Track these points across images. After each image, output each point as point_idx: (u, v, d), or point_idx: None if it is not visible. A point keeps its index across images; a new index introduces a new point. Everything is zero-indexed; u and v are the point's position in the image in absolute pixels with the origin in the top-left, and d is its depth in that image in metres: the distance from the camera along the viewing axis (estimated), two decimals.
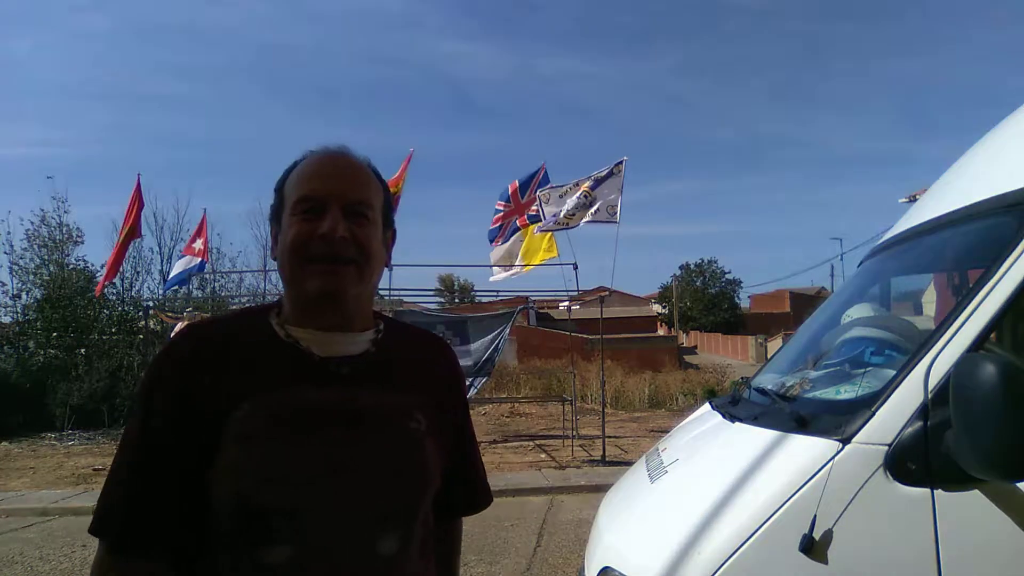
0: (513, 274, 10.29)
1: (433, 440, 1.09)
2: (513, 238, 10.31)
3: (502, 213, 10.38)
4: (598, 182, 9.49)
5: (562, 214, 9.40)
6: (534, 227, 9.97)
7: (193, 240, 12.04)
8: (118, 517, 0.97)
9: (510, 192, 10.28)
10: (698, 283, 54.03)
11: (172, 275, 11.88)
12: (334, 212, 1.03)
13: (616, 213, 9.44)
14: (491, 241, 10.54)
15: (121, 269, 17.01)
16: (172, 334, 10.57)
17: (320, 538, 0.95)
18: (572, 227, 9.48)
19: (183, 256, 11.94)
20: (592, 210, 9.37)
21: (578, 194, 9.48)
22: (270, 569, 0.94)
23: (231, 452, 0.95)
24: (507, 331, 10.39)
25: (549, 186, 9.77)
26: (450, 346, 1.30)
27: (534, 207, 9.81)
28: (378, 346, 1.12)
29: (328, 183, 1.06)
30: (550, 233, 9.90)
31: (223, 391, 0.98)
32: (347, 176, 1.08)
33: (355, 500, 0.99)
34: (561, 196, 9.57)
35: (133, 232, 10.54)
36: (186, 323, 10.79)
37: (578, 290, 10.78)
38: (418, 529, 1.07)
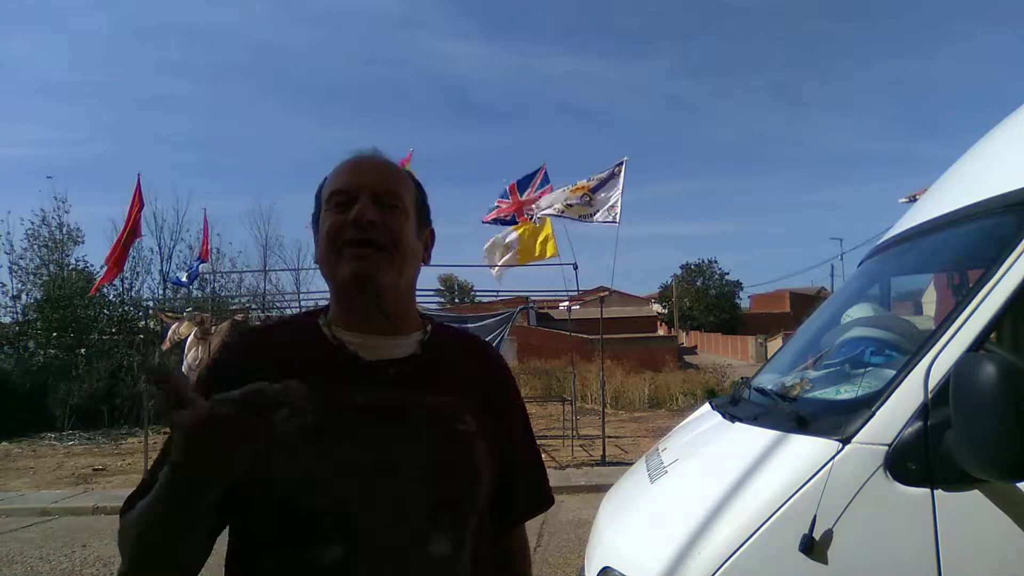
0: (504, 264, 10.24)
1: (484, 442, 1.09)
2: (507, 230, 10.28)
3: (497, 209, 10.40)
4: (600, 184, 9.53)
5: (560, 204, 9.46)
6: (530, 225, 9.98)
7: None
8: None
9: (508, 190, 10.29)
10: (698, 283, 54.00)
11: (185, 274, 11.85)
12: (363, 200, 1.06)
13: (616, 214, 9.46)
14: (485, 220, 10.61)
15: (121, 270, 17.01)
16: (169, 333, 10.54)
17: (370, 537, 0.96)
18: (566, 216, 9.50)
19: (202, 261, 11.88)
20: (592, 212, 9.41)
21: (580, 195, 9.54)
22: (322, 570, 0.94)
23: (278, 452, 0.94)
24: (506, 331, 10.40)
25: (550, 188, 9.81)
26: (496, 348, 1.30)
27: (533, 205, 9.84)
28: (425, 349, 1.12)
29: (357, 176, 1.09)
30: (550, 232, 9.90)
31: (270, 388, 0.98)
32: (376, 169, 1.11)
33: (402, 499, 0.98)
34: (561, 191, 9.65)
35: (133, 232, 10.52)
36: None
37: (578, 290, 10.79)
38: (470, 538, 1.06)
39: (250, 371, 0.97)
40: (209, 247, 12.02)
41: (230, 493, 0.92)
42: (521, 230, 10.04)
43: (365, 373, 1.04)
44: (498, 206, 10.43)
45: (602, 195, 9.51)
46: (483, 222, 10.53)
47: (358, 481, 0.97)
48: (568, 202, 9.46)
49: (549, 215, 9.70)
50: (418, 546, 0.98)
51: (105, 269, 10.88)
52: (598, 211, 9.45)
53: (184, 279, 11.53)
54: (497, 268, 10.32)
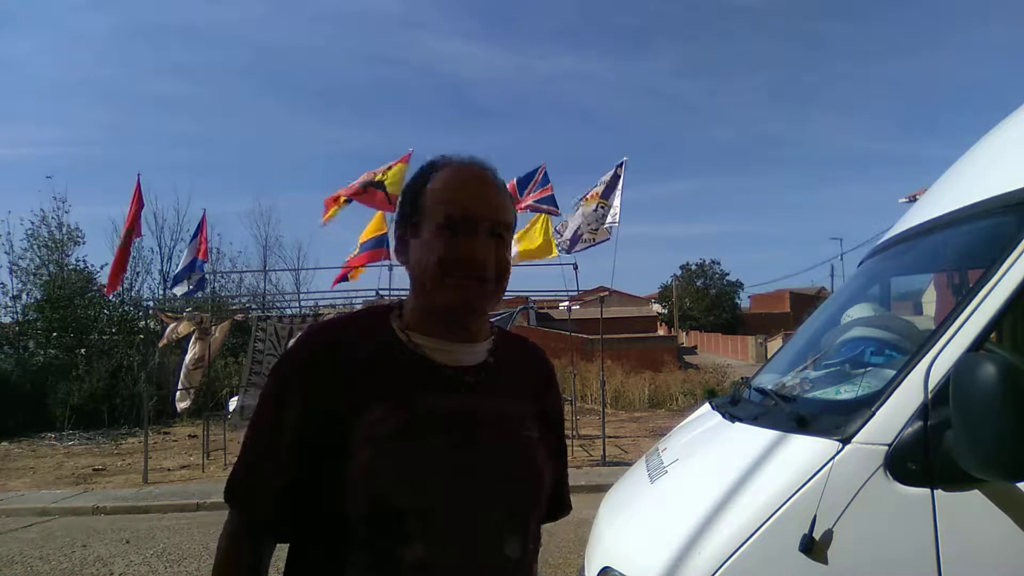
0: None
1: (544, 447, 1.15)
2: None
3: None
4: (608, 188, 9.61)
5: (585, 232, 9.59)
6: (541, 224, 9.98)
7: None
8: (242, 487, 1.07)
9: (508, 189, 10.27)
10: (699, 283, 53.98)
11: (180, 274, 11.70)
12: (483, 237, 1.07)
13: (616, 214, 9.48)
14: None
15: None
16: (167, 331, 10.51)
17: (451, 537, 1.00)
18: (601, 241, 9.65)
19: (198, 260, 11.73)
20: (609, 222, 9.52)
21: (594, 206, 9.65)
22: (408, 566, 0.97)
23: (364, 454, 0.98)
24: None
25: (551, 188, 9.81)
26: (541, 349, 1.34)
27: (531, 204, 9.86)
28: (493, 356, 1.16)
29: (476, 204, 1.08)
30: (551, 232, 9.92)
31: (352, 394, 1.03)
32: (493, 198, 1.11)
33: (480, 502, 1.03)
34: (576, 209, 9.73)
35: (131, 232, 10.51)
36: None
37: (578, 290, 10.80)
38: (533, 535, 1.12)
39: (336, 366, 1.04)
40: (208, 247, 11.97)
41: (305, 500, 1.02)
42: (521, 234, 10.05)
43: (446, 381, 1.08)
44: None
45: (612, 196, 9.60)
46: None
47: (443, 484, 1.01)
48: (589, 223, 9.63)
49: (582, 249, 9.83)
50: (493, 547, 1.03)
51: (109, 275, 10.88)
52: (607, 215, 9.59)
53: (191, 286, 11.40)
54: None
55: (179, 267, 11.81)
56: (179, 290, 11.26)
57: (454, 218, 1.06)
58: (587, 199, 9.73)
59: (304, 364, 1.06)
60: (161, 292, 19.04)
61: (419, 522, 0.98)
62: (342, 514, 0.99)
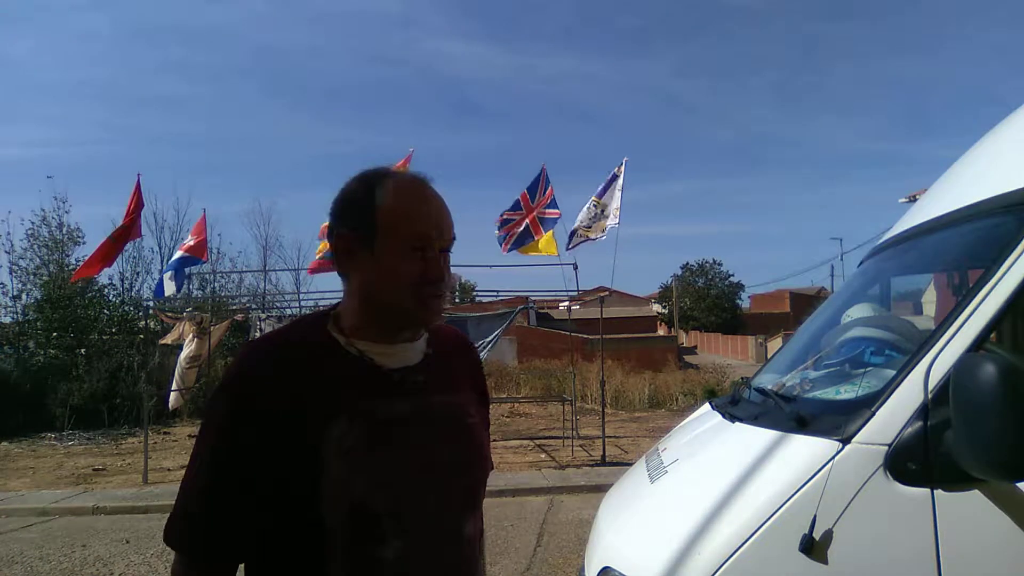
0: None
1: (484, 430, 1.27)
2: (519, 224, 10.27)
3: (514, 222, 10.25)
4: (604, 187, 9.63)
5: (579, 229, 9.62)
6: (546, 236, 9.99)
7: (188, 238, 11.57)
8: (201, 531, 1.05)
9: (520, 200, 10.18)
10: (700, 283, 53.95)
11: (167, 277, 11.47)
12: (439, 255, 1.16)
13: (616, 214, 9.50)
14: (500, 244, 10.41)
15: (121, 270, 17.01)
16: (171, 332, 10.51)
17: (422, 531, 1.09)
18: (596, 239, 9.66)
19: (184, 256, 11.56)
20: (608, 220, 9.56)
21: (588, 204, 9.67)
22: (384, 563, 1.05)
23: (337, 466, 1.03)
24: (503, 331, 10.41)
25: (551, 190, 9.84)
26: (460, 331, 1.43)
27: (538, 213, 9.93)
28: (430, 350, 1.23)
29: (434, 227, 1.15)
30: (551, 234, 9.93)
31: (313, 411, 1.05)
32: (445, 219, 1.19)
33: (442, 492, 1.13)
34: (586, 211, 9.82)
35: (130, 231, 10.47)
36: (185, 330, 10.54)
37: (578, 290, 10.79)
38: (480, 507, 1.24)
39: (287, 386, 1.06)
40: (207, 245, 11.93)
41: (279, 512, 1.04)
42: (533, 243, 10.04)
43: (396, 385, 1.14)
44: (510, 220, 10.27)
45: (609, 196, 9.62)
46: (504, 252, 10.36)
47: (411, 484, 1.09)
48: (585, 224, 9.71)
49: (575, 245, 9.89)
50: (456, 531, 1.14)
51: (87, 259, 10.73)
52: (608, 216, 9.61)
53: (170, 285, 11.04)
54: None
55: (165, 267, 11.65)
56: (168, 289, 11.07)
57: (425, 239, 1.13)
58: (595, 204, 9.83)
59: (262, 381, 1.06)
60: (159, 295, 19.02)
61: (393, 522, 1.06)
62: (320, 522, 1.03)
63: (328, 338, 1.14)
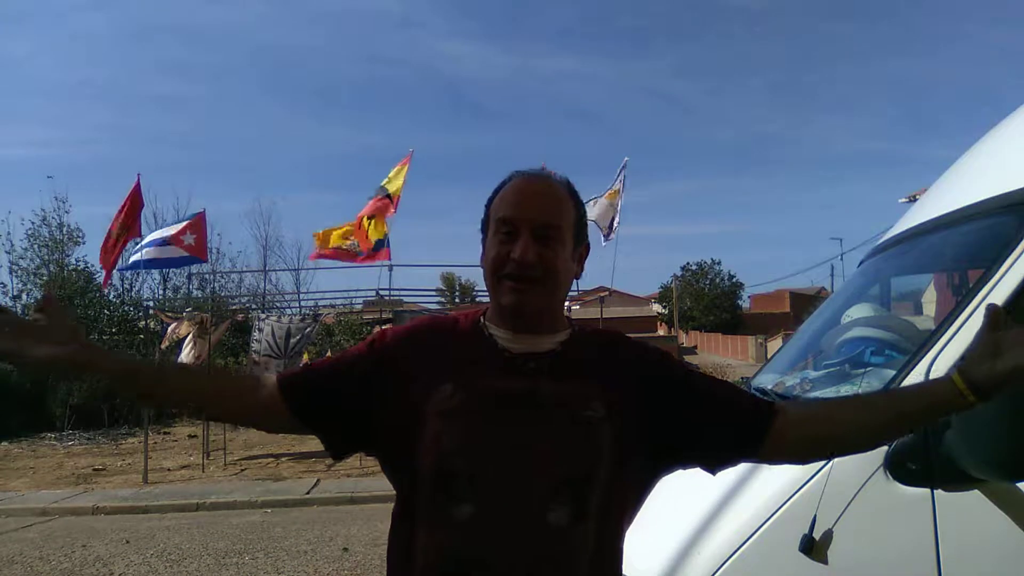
0: None
1: (614, 425, 1.17)
2: None
3: None
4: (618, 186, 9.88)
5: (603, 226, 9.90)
6: None
7: (183, 233, 10.93)
8: (299, 372, 1.30)
9: None
10: (701, 284, 53.95)
11: (144, 256, 10.95)
12: (524, 237, 1.18)
13: (616, 214, 9.53)
14: None
15: (121, 270, 16.99)
16: (168, 332, 10.55)
17: (494, 501, 1.12)
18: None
19: (167, 244, 11.07)
20: (608, 221, 9.72)
21: (600, 202, 9.90)
22: (454, 521, 1.12)
23: (435, 424, 1.14)
24: None
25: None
26: (628, 336, 1.38)
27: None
28: (564, 346, 1.24)
29: (521, 209, 1.20)
30: None
31: (428, 371, 1.19)
32: (538, 202, 1.22)
33: (526, 472, 1.13)
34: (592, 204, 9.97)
35: (130, 231, 10.47)
36: (185, 322, 10.68)
37: (578, 290, 10.82)
38: (595, 511, 1.15)
39: (412, 351, 1.24)
40: (207, 245, 11.92)
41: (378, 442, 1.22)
42: None
43: (509, 365, 1.20)
44: None
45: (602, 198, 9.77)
46: None
47: (492, 454, 1.13)
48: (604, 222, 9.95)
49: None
50: (536, 514, 1.12)
51: (104, 272, 10.76)
52: (604, 214, 9.73)
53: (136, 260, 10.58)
54: None
55: (147, 240, 11.00)
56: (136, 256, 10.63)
57: (502, 223, 1.20)
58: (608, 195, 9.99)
59: (401, 334, 1.29)
60: (161, 292, 19.05)
61: (469, 486, 1.12)
62: (417, 472, 1.15)
63: (475, 322, 1.27)
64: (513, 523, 1.11)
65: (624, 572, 1.87)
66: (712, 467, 1.28)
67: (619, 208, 9.84)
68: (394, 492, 1.24)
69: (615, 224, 9.93)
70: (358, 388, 1.22)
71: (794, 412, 1.28)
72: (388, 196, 10.15)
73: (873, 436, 1.25)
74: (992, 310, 1.12)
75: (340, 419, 1.23)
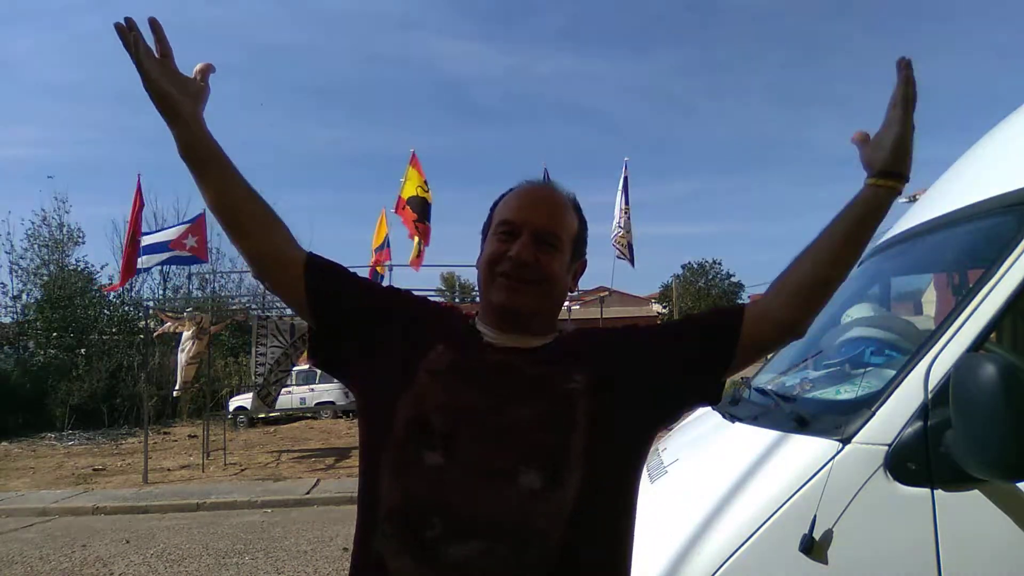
0: None
1: (597, 396, 1.18)
2: None
3: None
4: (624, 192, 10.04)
5: (613, 238, 10.24)
6: None
7: (184, 237, 10.92)
8: (330, 264, 1.32)
9: None
10: (701, 284, 53.93)
11: (145, 266, 10.96)
12: (525, 238, 1.21)
13: (622, 214, 9.57)
14: None
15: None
16: (164, 325, 10.67)
17: (464, 456, 1.14)
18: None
19: (169, 250, 11.11)
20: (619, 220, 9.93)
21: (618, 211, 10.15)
22: (424, 469, 1.14)
23: (423, 380, 1.18)
24: None
25: None
26: (597, 326, 1.45)
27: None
28: (549, 343, 1.26)
29: (524, 212, 1.24)
30: None
31: (429, 332, 1.25)
32: (542, 208, 1.25)
33: (501, 435, 1.15)
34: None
35: (136, 232, 10.49)
36: (172, 321, 10.85)
37: (578, 290, 10.81)
38: (573, 479, 1.14)
39: (426, 319, 1.29)
40: (207, 245, 11.92)
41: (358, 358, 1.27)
42: None
43: (494, 351, 1.23)
44: None
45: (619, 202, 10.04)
46: None
47: (469, 414, 1.16)
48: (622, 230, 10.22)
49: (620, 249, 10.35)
50: (508, 473, 1.13)
51: (119, 275, 10.79)
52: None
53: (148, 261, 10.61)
54: None
55: (149, 240, 10.92)
56: (144, 262, 10.69)
57: (504, 223, 1.23)
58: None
59: (417, 298, 1.36)
60: (161, 292, 19.04)
61: (443, 439, 1.14)
62: (393, 422, 1.17)
63: (468, 321, 1.31)
64: (482, 477, 1.13)
65: None
66: (709, 395, 1.29)
67: (629, 225, 10.12)
68: None
69: (631, 243, 10.22)
70: (373, 315, 1.26)
71: (765, 295, 1.29)
72: (407, 204, 10.28)
73: (834, 260, 1.22)
74: (857, 134, 1.22)
75: (341, 322, 1.26)
